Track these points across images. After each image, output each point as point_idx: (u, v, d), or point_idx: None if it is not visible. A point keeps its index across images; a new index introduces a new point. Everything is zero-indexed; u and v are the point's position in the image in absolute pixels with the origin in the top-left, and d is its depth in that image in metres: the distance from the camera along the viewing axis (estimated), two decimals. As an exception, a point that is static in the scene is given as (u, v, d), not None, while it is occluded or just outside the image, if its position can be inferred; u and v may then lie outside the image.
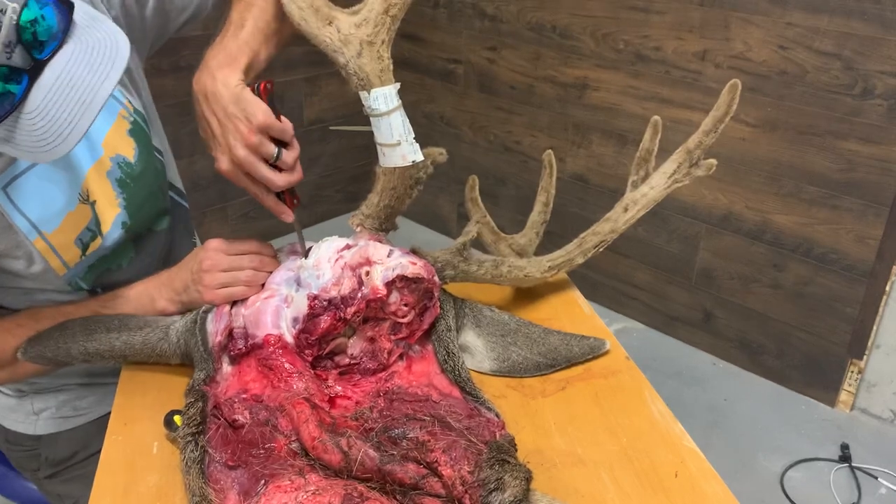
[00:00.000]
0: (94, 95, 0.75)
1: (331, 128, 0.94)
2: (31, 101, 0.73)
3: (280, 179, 0.91)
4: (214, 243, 0.97)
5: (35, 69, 0.73)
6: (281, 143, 0.91)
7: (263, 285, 0.94)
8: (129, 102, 1.11)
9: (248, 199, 2.95)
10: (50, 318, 0.98)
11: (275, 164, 0.91)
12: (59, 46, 0.75)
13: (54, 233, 0.99)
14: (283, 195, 0.95)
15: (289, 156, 0.92)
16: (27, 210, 0.96)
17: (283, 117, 0.91)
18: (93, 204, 1.04)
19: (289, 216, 0.96)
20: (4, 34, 0.70)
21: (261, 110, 0.87)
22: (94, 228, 1.04)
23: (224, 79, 0.90)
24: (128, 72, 1.12)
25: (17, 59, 0.71)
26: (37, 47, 0.73)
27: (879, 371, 2.14)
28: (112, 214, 1.07)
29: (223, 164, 0.91)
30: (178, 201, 1.25)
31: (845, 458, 2.02)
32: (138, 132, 1.11)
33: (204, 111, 0.91)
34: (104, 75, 0.75)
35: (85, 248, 1.03)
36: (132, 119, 1.10)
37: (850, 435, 2.11)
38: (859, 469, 1.99)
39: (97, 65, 0.75)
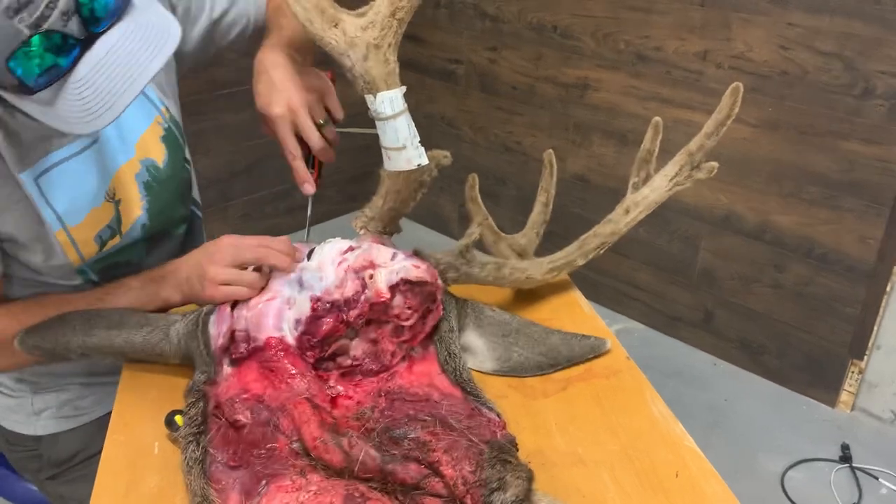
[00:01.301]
0: (141, 72, 0.77)
1: (339, 129, 0.98)
2: (79, 70, 0.75)
3: (319, 141, 1.01)
4: (228, 239, 0.96)
5: (88, 40, 0.75)
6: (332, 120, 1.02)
7: (265, 286, 0.94)
8: (167, 109, 1.13)
9: (249, 199, 2.94)
10: (55, 306, 0.98)
11: (319, 130, 1.00)
12: (114, 23, 0.77)
13: (77, 227, 1.00)
14: (312, 168, 1.02)
15: (332, 131, 1.02)
16: (55, 202, 0.97)
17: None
18: (117, 203, 1.05)
19: (311, 186, 1.02)
20: (63, 3, 0.72)
21: (325, 79, 1.01)
22: (115, 227, 1.06)
23: (293, 55, 1.03)
24: (168, 79, 1.15)
25: (73, 27, 0.74)
26: (93, 22, 0.75)
27: (880, 371, 2.14)
28: (134, 216, 1.08)
29: (277, 107, 0.98)
30: (195, 212, 1.28)
31: (846, 458, 2.02)
32: (171, 139, 1.13)
33: (269, 69, 1.01)
34: (153, 55, 0.78)
35: (103, 244, 1.05)
36: (167, 126, 1.12)
37: (850, 435, 2.11)
38: (860, 469, 1.99)
39: (148, 44, 0.78)
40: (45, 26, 0.72)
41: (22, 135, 0.93)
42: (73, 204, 0.99)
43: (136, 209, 1.09)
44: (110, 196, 1.04)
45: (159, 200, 1.12)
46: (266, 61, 1.03)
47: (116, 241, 1.06)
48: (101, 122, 0.77)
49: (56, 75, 0.75)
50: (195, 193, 1.29)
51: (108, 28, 0.77)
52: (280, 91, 0.99)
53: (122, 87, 0.76)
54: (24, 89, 0.75)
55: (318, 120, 1.01)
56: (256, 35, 1.18)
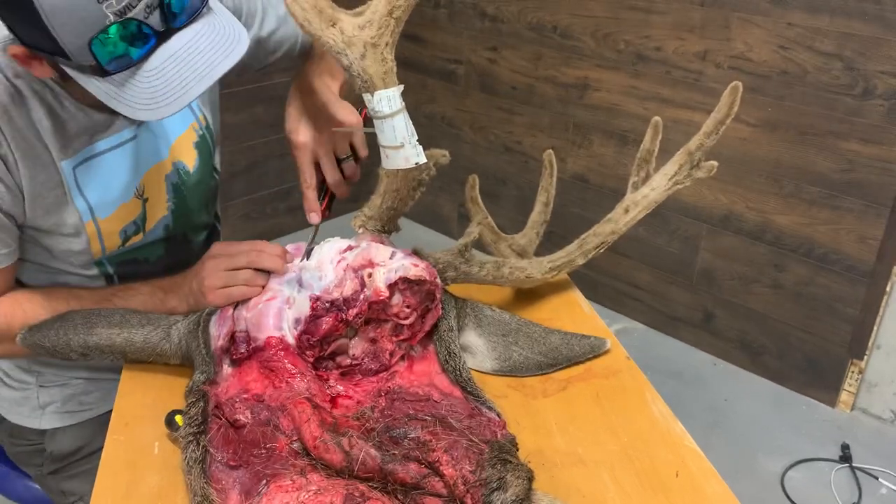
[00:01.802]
0: (210, 70, 0.81)
1: (333, 129, 0.99)
2: (153, 60, 0.80)
3: (336, 175, 1.03)
4: (217, 247, 0.99)
5: (165, 33, 0.80)
6: (354, 157, 1.04)
7: (265, 286, 0.94)
8: (204, 117, 1.17)
9: (249, 199, 2.95)
10: (63, 299, 1.00)
11: (339, 165, 1.03)
12: (192, 21, 0.82)
13: (106, 220, 1.03)
14: (323, 199, 1.04)
15: (352, 166, 1.04)
16: (88, 193, 1.00)
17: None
18: (145, 201, 1.08)
19: (317, 216, 1.03)
20: None
21: (355, 115, 1.00)
22: (140, 224, 1.08)
23: (328, 83, 1.05)
24: (210, 90, 1.17)
25: (154, 20, 0.78)
26: (172, 17, 0.80)
27: (880, 371, 2.14)
28: (159, 215, 1.11)
29: (302, 136, 1.01)
30: (215, 225, 1.31)
31: (846, 458, 2.02)
32: (203, 146, 1.16)
33: (304, 95, 1.04)
34: (224, 55, 0.82)
35: (126, 239, 1.07)
36: (201, 133, 1.16)
37: (850, 435, 2.11)
38: (860, 469, 1.99)
39: (220, 45, 0.82)
40: (130, 15, 0.75)
41: (68, 124, 0.96)
42: (105, 196, 1.02)
43: (162, 209, 1.12)
44: (139, 193, 1.07)
45: (185, 204, 1.15)
46: (303, 86, 1.06)
47: (139, 237, 1.09)
48: (166, 112, 0.81)
49: (126, 64, 0.78)
50: (217, 207, 1.32)
51: (186, 25, 0.81)
52: (307, 119, 1.02)
53: (191, 82, 0.80)
54: (100, 71, 0.78)
55: (340, 155, 1.03)
56: (303, 56, 1.21)
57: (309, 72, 1.09)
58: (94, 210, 1.01)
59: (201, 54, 0.81)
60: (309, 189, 1.02)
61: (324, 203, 1.05)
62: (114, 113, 0.95)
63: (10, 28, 0.81)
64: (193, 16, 0.82)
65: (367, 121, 1.00)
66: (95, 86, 0.80)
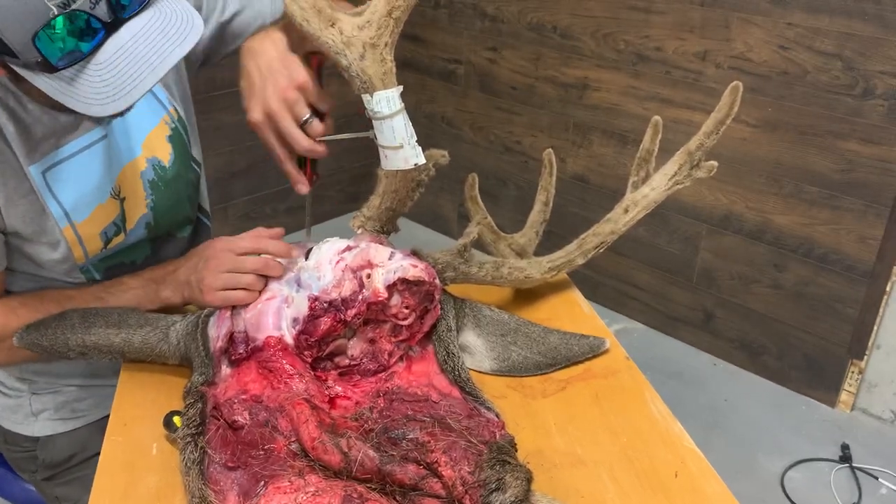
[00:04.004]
0: (163, 60, 0.79)
1: (322, 138, 0.95)
2: (103, 53, 0.77)
3: (304, 141, 0.94)
4: (221, 242, 0.97)
5: (113, 24, 0.77)
6: (317, 115, 0.95)
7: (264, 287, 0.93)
8: (175, 110, 1.14)
9: (249, 199, 2.94)
10: (55, 302, 0.99)
11: (303, 128, 0.94)
12: (140, 10, 0.79)
13: (83, 223, 1.01)
14: (304, 167, 0.98)
15: (318, 125, 0.95)
16: (62, 197, 0.98)
17: (325, 91, 0.94)
18: (122, 200, 1.06)
19: (304, 186, 0.99)
20: None
21: (303, 72, 0.92)
22: (120, 224, 1.06)
23: (275, 39, 0.96)
24: (177, 80, 1.15)
25: (100, 11, 0.75)
26: (120, 8, 0.77)
27: (880, 371, 2.14)
28: (138, 213, 1.09)
29: (255, 113, 0.94)
30: (203, 221, 1.28)
31: (846, 458, 2.02)
32: (177, 139, 1.14)
33: (248, 64, 0.96)
34: (176, 44, 0.80)
35: (107, 241, 1.05)
36: (173, 126, 1.13)
37: (850, 435, 2.11)
38: (860, 469, 1.99)
39: (171, 33, 0.80)
40: (75, 6, 0.73)
41: (33, 128, 0.94)
42: (79, 199, 1.00)
43: (141, 207, 1.09)
44: (115, 193, 1.05)
45: (164, 199, 1.12)
46: (248, 50, 0.98)
47: (121, 238, 1.07)
48: (119, 106, 0.78)
49: (77, 58, 0.76)
50: (204, 202, 1.29)
51: (135, 15, 0.79)
52: (256, 95, 0.95)
53: (144, 73, 0.78)
54: (48, 67, 0.76)
55: (301, 118, 0.94)
56: None
57: (261, 34, 1.00)
58: (69, 214, 0.99)
59: (153, 44, 0.79)
60: (285, 164, 0.97)
61: (307, 170, 0.99)
62: (78, 114, 0.93)
63: None
64: (143, 4, 0.80)
65: (324, 70, 0.94)
66: (45, 83, 0.78)
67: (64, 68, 0.77)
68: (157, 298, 1.01)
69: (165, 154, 1.12)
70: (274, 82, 0.93)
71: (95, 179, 1.02)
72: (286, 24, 0.99)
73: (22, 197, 0.94)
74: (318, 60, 0.97)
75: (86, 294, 1.01)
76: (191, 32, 0.81)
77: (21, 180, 0.94)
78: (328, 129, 0.96)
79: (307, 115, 0.94)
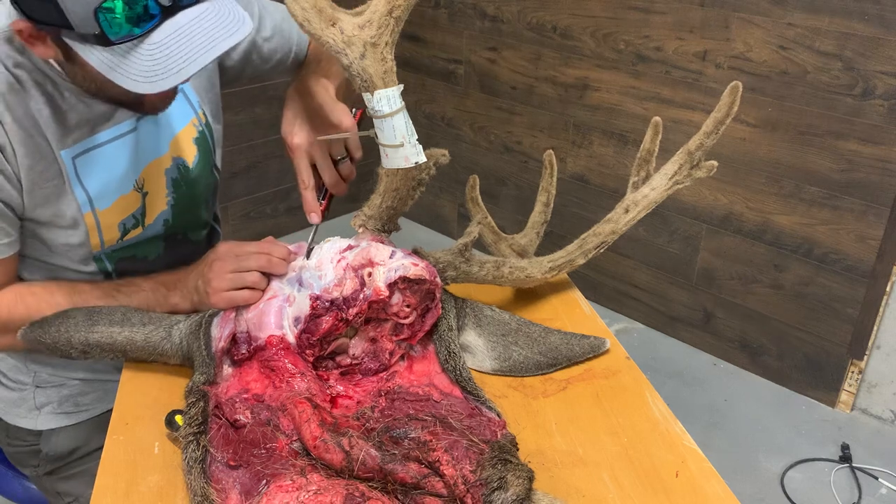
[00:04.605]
0: (212, 47, 0.83)
1: (317, 138, 1.00)
2: (158, 34, 0.82)
3: (333, 176, 1.04)
4: (224, 246, 0.98)
5: (172, 9, 0.82)
6: (349, 158, 1.05)
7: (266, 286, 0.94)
8: (204, 114, 1.18)
9: (249, 198, 2.95)
10: (65, 292, 1.00)
11: (335, 165, 1.04)
12: (198, 1, 0.85)
13: (105, 211, 1.04)
14: (323, 198, 1.05)
15: (348, 166, 1.05)
16: (88, 183, 1.01)
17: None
18: (144, 194, 1.09)
19: (317, 217, 1.04)
20: None
21: (350, 119, 1.01)
22: (139, 217, 1.09)
23: (326, 85, 1.07)
24: (210, 89, 1.19)
25: None
26: None
27: (880, 371, 2.15)
28: (158, 209, 1.12)
29: (299, 138, 1.02)
30: (216, 228, 1.32)
31: (846, 458, 2.02)
32: (202, 143, 1.17)
33: (297, 102, 1.06)
34: (227, 34, 0.85)
35: (125, 233, 1.08)
36: (201, 129, 1.17)
37: (850, 435, 2.11)
38: (860, 469, 1.99)
39: (224, 25, 0.85)
40: None
41: (68, 115, 0.97)
42: (104, 187, 1.03)
43: (162, 203, 1.12)
44: (139, 186, 1.08)
45: (184, 199, 1.16)
46: (299, 88, 1.07)
47: (138, 231, 1.10)
48: (165, 85, 0.82)
49: (131, 35, 0.80)
50: (218, 210, 1.33)
51: (193, 4, 0.83)
52: (304, 122, 1.03)
53: (193, 56, 0.82)
54: (104, 40, 0.80)
55: (336, 156, 1.03)
56: (298, 65, 1.22)
57: (306, 74, 1.09)
58: (93, 201, 1.02)
59: (205, 32, 0.83)
60: (307, 190, 1.03)
61: (323, 203, 1.05)
62: (114, 104, 0.95)
63: (15, 2, 0.82)
64: None
65: (365, 123, 1.00)
66: (97, 57, 0.81)
67: (119, 42, 0.80)
68: (166, 304, 1.03)
69: (190, 155, 1.15)
70: (323, 117, 1.02)
71: (122, 170, 1.05)
72: (340, 83, 1.12)
73: (48, 181, 0.97)
74: (360, 113, 1.05)
75: (97, 289, 1.02)
76: (241, 27, 0.86)
77: (49, 164, 0.97)
78: (353, 174, 1.06)
79: (343, 154, 1.03)
